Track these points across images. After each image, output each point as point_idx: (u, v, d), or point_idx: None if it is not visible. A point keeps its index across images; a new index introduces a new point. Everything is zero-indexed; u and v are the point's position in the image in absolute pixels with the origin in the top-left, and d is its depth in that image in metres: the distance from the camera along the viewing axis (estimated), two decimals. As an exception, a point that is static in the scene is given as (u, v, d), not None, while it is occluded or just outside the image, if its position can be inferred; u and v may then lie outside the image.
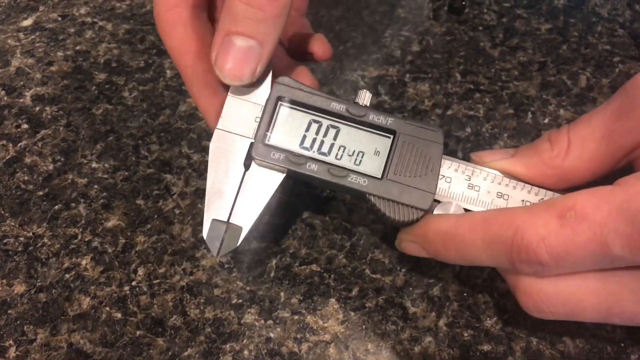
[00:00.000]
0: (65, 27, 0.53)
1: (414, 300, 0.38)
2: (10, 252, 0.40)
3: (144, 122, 0.46)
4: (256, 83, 0.35)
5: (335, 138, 0.34)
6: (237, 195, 0.34)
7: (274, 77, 0.35)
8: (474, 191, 0.34)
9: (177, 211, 0.42)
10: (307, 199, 0.42)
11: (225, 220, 0.34)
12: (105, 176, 0.43)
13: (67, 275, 0.39)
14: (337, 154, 0.34)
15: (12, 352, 0.36)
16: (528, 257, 0.28)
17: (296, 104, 0.35)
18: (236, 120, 0.35)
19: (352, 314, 0.38)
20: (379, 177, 0.34)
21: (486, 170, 0.35)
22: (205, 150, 0.45)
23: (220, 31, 0.32)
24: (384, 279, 0.39)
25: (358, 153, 0.34)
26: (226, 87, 0.35)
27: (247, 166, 0.34)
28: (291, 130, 0.34)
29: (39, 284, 0.39)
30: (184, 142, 0.45)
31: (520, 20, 0.54)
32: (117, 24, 0.53)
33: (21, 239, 0.41)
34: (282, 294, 0.38)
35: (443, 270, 0.39)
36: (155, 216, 0.42)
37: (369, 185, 0.34)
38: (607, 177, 0.33)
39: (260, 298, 0.38)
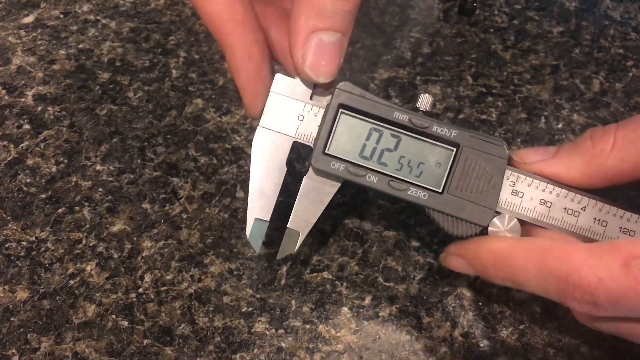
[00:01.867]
0: (68, 24, 0.51)
1: (428, 310, 0.37)
2: (12, 257, 0.39)
3: (150, 123, 0.45)
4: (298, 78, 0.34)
5: (396, 148, 0.34)
6: (279, 194, 0.34)
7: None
8: (517, 197, 0.34)
9: (184, 216, 0.41)
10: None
11: (267, 219, 0.34)
12: (110, 179, 0.42)
13: (71, 282, 0.38)
14: (397, 165, 0.34)
15: (15, 361, 0.35)
16: (582, 297, 0.28)
17: (357, 112, 0.34)
18: (279, 118, 0.34)
19: (365, 323, 0.37)
20: (440, 191, 0.33)
21: (530, 177, 0.34)
22: (212, 153, 0.44)
23: (303, 28, 0.30)
24: (398, 287, 0.38)
25: (419, 164, 0.34)
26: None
27: (289, 166, 0.34)
28: (351, 138, 0.34)
29: (43, 290, 0.38)
30: (190, 145, 0.44)
31: (532, 22, 0.53)
32: (121, 22, 0.52)
33: (24, 243, 0.39)
34: (293, 302, 0.37)
35: (458, 279, 0.38)
36: (162, 221, 0.40)
37: (429, 200, 0.33)
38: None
39: (271, 306, 0.37)
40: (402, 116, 0.33)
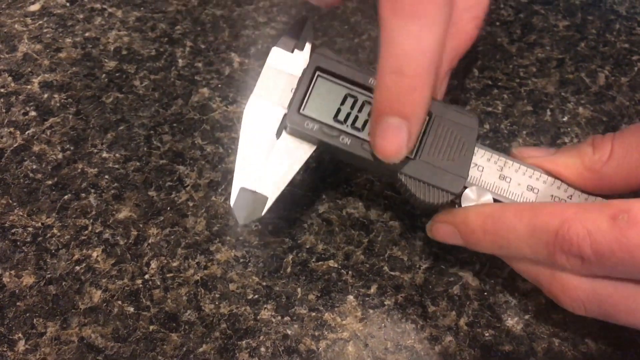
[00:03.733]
0: (74, 13, 0.51)
1: (433, 299, 0.37)
2: (18, 243, 0.39)
3: (156, 112, 0.45)
4: (295, 53, 0.35)
5: (369, 114, 0.34)
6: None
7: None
8: (505, 182, 0.34)
9: (190, 203, 0.41)
10: (323, 194, 0.42)
11: (253, 189, 0.33)
12: (116, 166, 0.42)
13: (77, 267, 0.38)
14: None
15: (21, 345, 0.35)
16: (570, 249, 0.28)
17: (334, 76, 0.34)
18: (272, 89, 0.34)
19: (371, 311, 0.37)
20: (412, 156, 0.33)
21: (518, 163, 0.34)
22: (218, 142, 0.44)
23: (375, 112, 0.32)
24: (403, 277, 0.38)
25: None
26: None
27: (279, 136, 0.34)
28: (326, 102, 0.34)
29: (49, 275, 0.38)
30: (196, 133, 0.44)
31: (538, 16, 0.53)
32: (127, 11, 0.52)
33: (30, 229, 0.39)
34: (298, 290, 0.38)
35: (463, 268, 0.38)
36: (168, 208, 0.40)
37: (401, 164, 0.33)
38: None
39: (277, 294, 0.37)
40: None
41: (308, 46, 0.35)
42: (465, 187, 0.34)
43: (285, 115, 0.34)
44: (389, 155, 0.32)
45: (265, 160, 0.34)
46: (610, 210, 0.28)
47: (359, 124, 0.34)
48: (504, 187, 0.34)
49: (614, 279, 0.29)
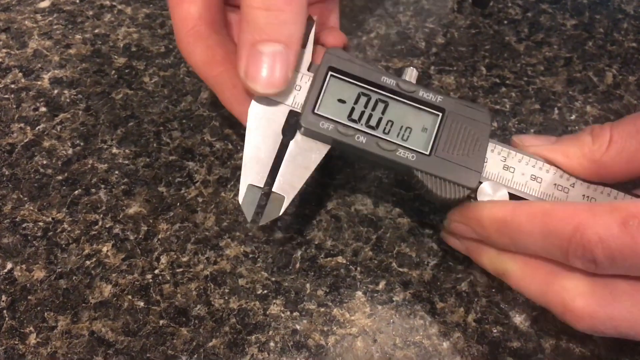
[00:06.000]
0: (84, 9, 0.52)
1: (442, 295, 0.38)
2: (29, 237, 0.39)
3: (165, 108, 0.45)
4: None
5: (383, 112, 0.34)
6: (274, 161, 0.34)
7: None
8: (509, 172, 0.34)
9: (200, 199, 0.41)
10: (332, 190, 0.42)
11: (262, 186, 0.34)
12: (126, 162, 0.42)
13: (87, 262, 0.38)
14: (385, 129, 0.34)
15: (32, 338, 0.35)
16: (584, 254, 0.29)
17: (346, 75, 0.34)
18: None
19: (380, 307, 0.37)
20: (427, 153, 0.34)
21: (521, 153, 0.35)
22: (227, 139, 0.44)
23: (245, 43, 0.32)
24: (411, 273, 0.38)
25: (406, 129, 0.34)
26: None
27: (285, 134, 0.34)
28: (340, 101, 0.34)
29: (59, 270, 0.38)
30: (206, 130, 0.44)
31: (545, 15, 0.53)
32: (137, 7, 0.52)
33: (40, 223, 0.40)
34: (307, 285, 0.38)
35: (471, 265, 0.39)
36: (178, 204, 0.41)
37: (417, 161, 0.33)
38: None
39: (286, 289, 0.37)
40: (389, 80, 0.34)
41: (310, 43, 0.35)
42: (480, 182, 0.34)
43: (290, 113, 0.34)
44: (267, 85, 0.32)
45: (271, 157, 0.34)
46: (621, 214, 0.28)
47: (373, 122, 0.34)
48: (508, 177, 0.34)
49: (627, 303, 0.30)
